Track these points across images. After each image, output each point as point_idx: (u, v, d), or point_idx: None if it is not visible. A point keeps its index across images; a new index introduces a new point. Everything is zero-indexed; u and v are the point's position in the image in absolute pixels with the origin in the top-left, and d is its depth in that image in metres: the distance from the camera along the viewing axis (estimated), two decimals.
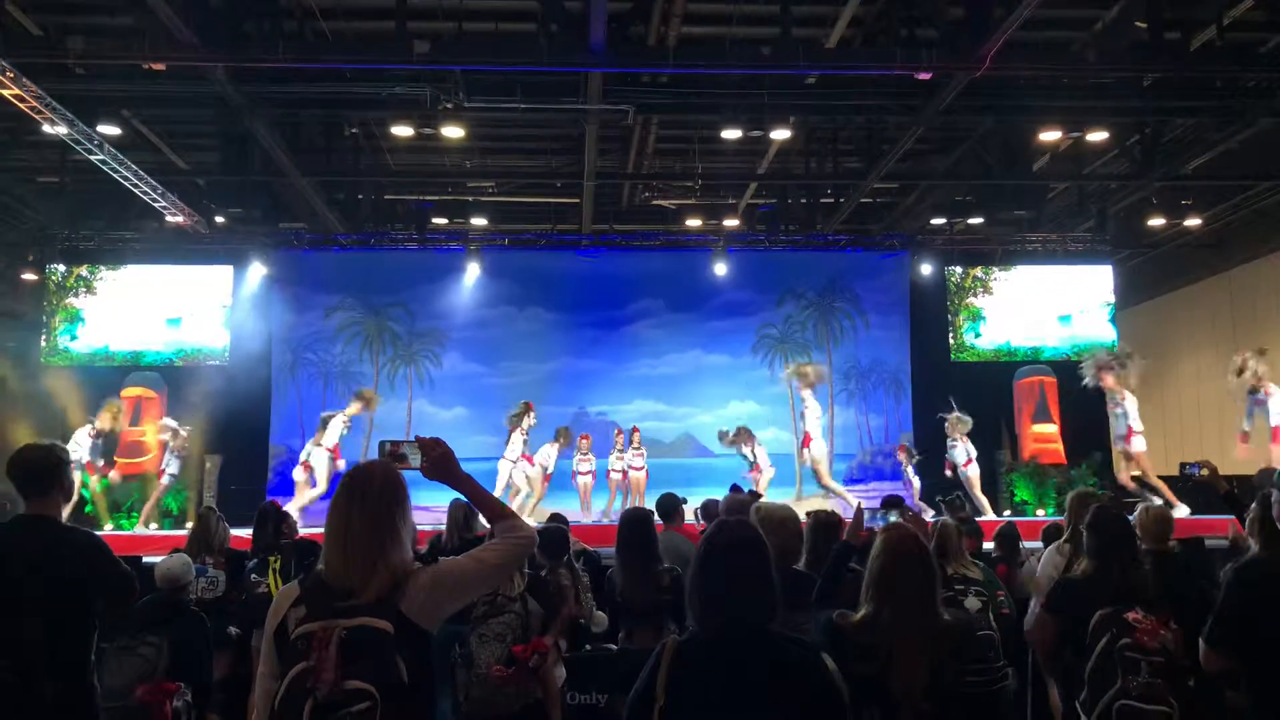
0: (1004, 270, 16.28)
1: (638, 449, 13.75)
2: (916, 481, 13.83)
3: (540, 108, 11.58)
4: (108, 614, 3.78)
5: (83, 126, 11.14)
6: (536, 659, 4.64)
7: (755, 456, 12.74)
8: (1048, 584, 4.47)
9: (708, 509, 6.76)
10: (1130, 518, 4.27)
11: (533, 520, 11.19)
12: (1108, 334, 16.27)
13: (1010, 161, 13.82)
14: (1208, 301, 18.47)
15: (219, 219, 15.03)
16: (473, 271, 15.71)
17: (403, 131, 12.97)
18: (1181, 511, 10.74)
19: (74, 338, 15.34)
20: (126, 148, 12.50)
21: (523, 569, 4.81)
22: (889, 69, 10.31)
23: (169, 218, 14.24)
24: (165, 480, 13.01)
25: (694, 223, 16.65)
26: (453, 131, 12.53)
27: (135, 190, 12.98)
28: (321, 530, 2.51)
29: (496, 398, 14.98)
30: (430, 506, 10.77)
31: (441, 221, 17.12)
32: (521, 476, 12.92)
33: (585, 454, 13.80)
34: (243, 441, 15.07)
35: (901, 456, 14.22)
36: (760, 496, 7.22)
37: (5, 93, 9.79)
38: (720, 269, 15.63)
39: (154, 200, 13.42)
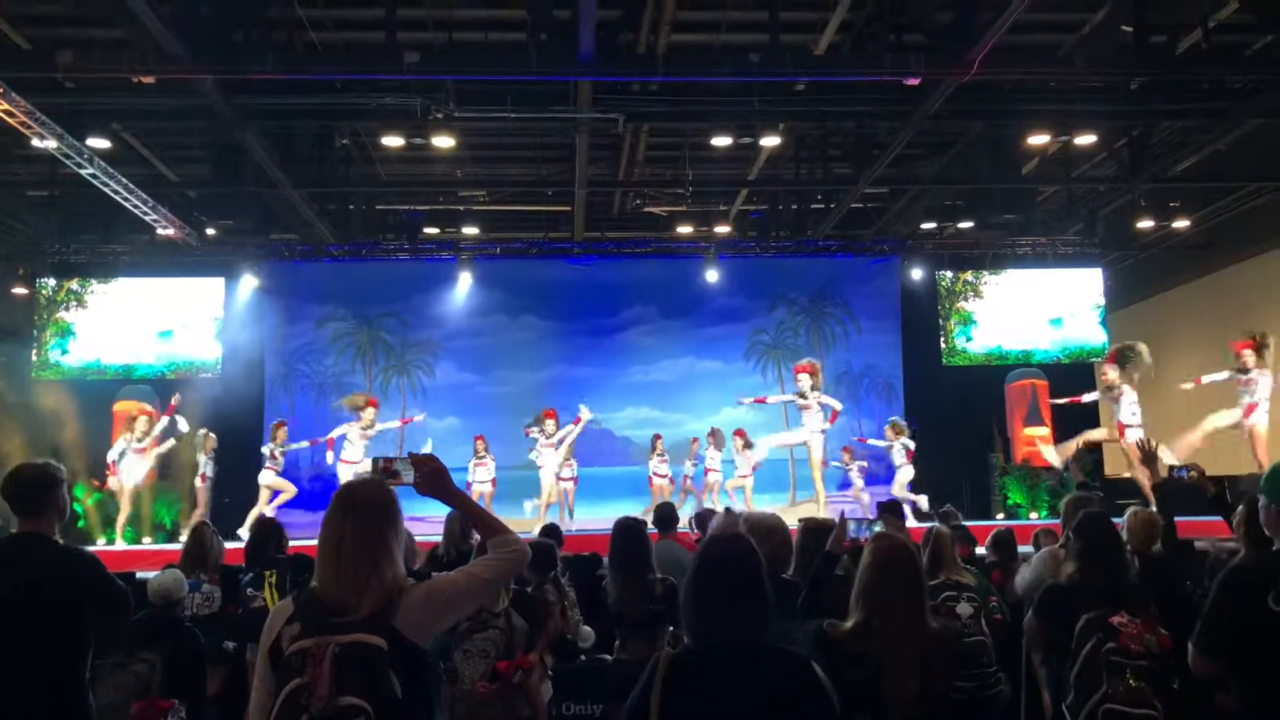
0: (994, 274, 16.33)
1: (661, 456, 13.88)
2: (860, 483, 13.85)
3: (531, 117, 11.59)
4: (103, 631, 3.77)
5: (72, 140, 11.12)
6: (520, 675, 4.62)
7: (709, 460, 13.04)
8: (1034, 587, 4.49)
9: (702, 518, 6.77)
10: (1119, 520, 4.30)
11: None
12: (1098, 336, 16.34)
13: (999, 165, 13.87)
14: (1197, 302, 18.53)
15: (210, 231, 15.01)
16: (465, 281, 15.71)
17: (393, 142, 12.98)
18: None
19: (65, 352, 15.30)
20: (116, 161, 12.48)
21: (509, 584, 4.80)
22: (878, 75, 10.34)
23: (160, 230, 14.21)
24: (203, 484, 13.20)
25: (685, 230, 16.67)
26: (443, 141, 12.54)
27: (125, 203, 12.95)
28: (315, 543, 2.51)
29: (490, 407, 15.01)
30: (425, 517, 10.80)
31: (433, 231, 17.12)
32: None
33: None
34: (236, 454, 15.02)
35: (845, 458, 14.14)
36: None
37: None
38: (712, 275, 15.66)
39: (144, 213, 13.39)
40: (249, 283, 15.34)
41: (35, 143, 11.02)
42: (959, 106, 11.60)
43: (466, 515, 2.66)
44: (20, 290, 15.73)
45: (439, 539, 6.73)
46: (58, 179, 13.55)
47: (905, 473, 13.02)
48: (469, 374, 15.91)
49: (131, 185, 12.60)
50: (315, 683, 2.22)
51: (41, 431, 13.97)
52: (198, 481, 13.25)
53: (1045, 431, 15.43)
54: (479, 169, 15.22)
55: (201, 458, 13.31)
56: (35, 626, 3.40)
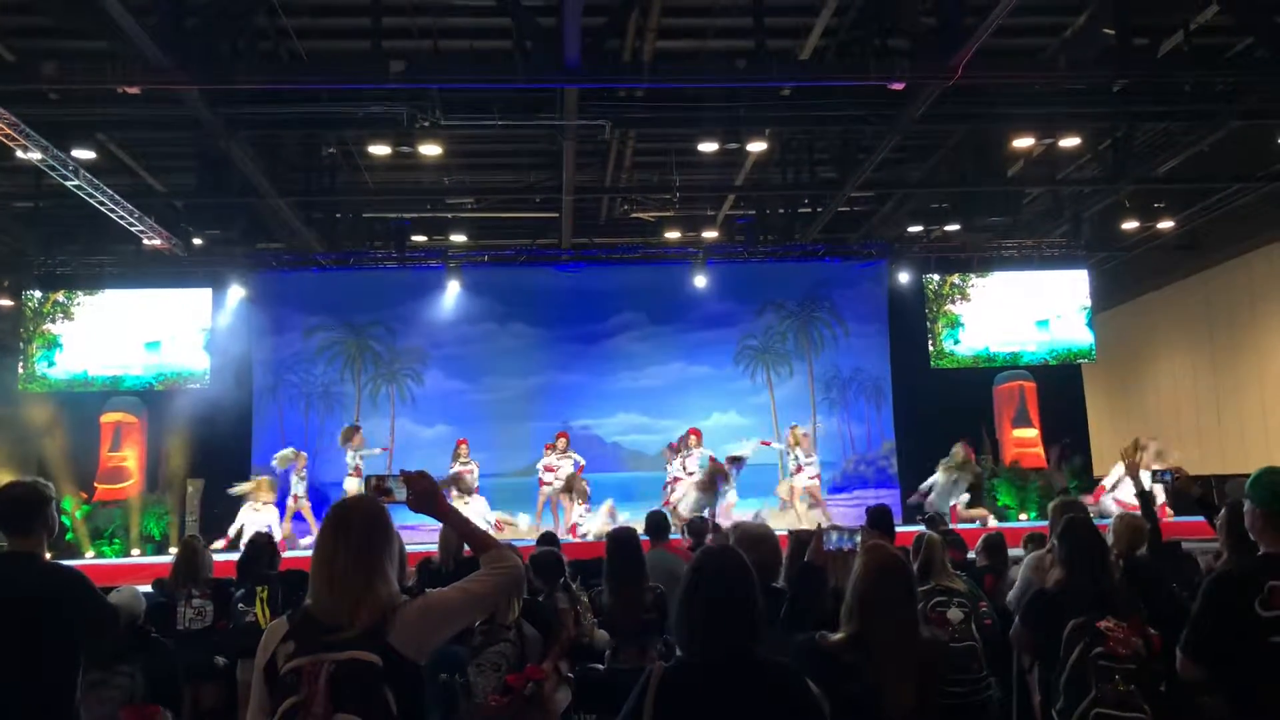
0: (981, 276, 16.41)
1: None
2: (805, 470, 13.79)
3: (517, 124, 11.59)
4: (92, 648, 3.77)
5: (57, 152, 11.08)
6: (531, 687, 4.62)
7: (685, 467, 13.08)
8: (1024, 593, 4.52)
9: (694, 526, 6.78)
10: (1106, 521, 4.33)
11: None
12: (1085, 338, 16.42)
13: (985, 168, 13.92)
14: (1183, 302, 18.65)
15: (197, 241, 14.97)
16: (453, 288, 15.70)
17: (380, 150, 12.96)
18: None
19: (52, 364, 15.22)
20: (102, 171, 12.43)
21: (519, 595, 4.80)
22: (863, 80, 10.38)
23: (146, 241, 14.17)
24: (294, 503, 13.20)
25: (673, 235, 16.70)
26: (430, 149, 12.53)
27: (111, 214, 12.91)
28: (308, 556, 2.52)
29: (479, 415, 15.00)
30: (417, 525, 10.78)
31: (421, 239, 17.10)
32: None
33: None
34: (224, 464, 14.97)
35: (792, 440, 14.07)
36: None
37: None
38: (700, 281, 15.69)
39: (131, 224, 13.35)
40: (236, 293, 15.30)
41: (20, 154, 10.98)
42: (944, 110, 11.64)
43: (458, 531, 2.67)
44: (6, 302, 15.66)
45: (430, 549, 6.73)
46: (43, 190, 13.49)
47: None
48: (458, 382, 15.89)
49: (117, 196, 12.56)
50: (310, 701, 2.22)
51: (28, 444, 13.91)
52: (290, 501, 13.15)
53: (1034, 433, 15.51)
54: (466, 176, 15.21)
55: (294, 478, 13.31)
56: (25, 644, 3.39)
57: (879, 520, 6.22)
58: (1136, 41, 10.53)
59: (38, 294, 15.29)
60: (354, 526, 2.43)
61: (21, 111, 10.22)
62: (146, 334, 15.40)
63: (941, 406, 15.45)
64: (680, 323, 16.18)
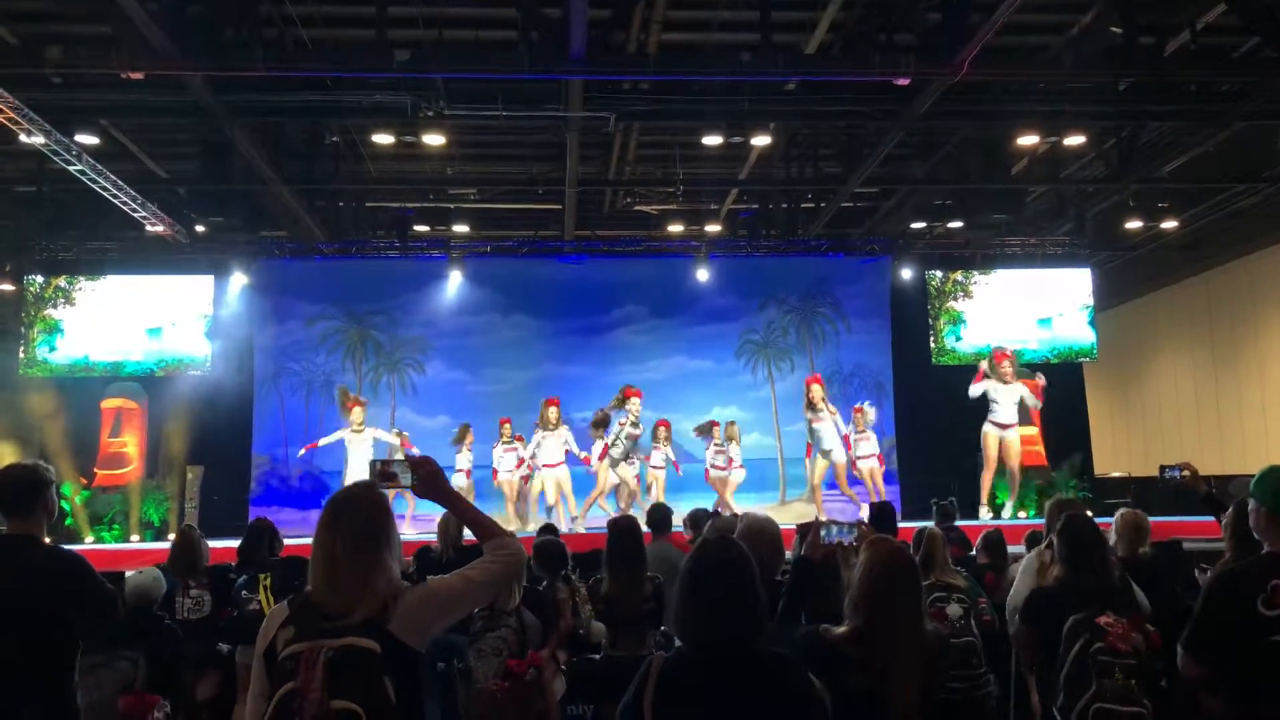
0: (984, 274, 16.38)
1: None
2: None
3: (521, 115, 11.58)
4: (90, 632, 3.77)
5: (60, 136, 11.07)
6: (533, 673, 4.66)
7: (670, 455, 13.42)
8: (1024, 590, 4.52)
9: (695, 518, 6.77)
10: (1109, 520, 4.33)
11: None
12: (1087, 336, 16.40)
13: (989, 165, 13.92)
14: (1185, 303, 18.66)
15: (199, 228, 14.96)
16: (455, 279, 15.68)
17: (384, 139, 12.96)
18: None
19: (53, 349, 15.21)
20: (105, 157, 12.42)
21: (520, 583, 4.83)
22: (868, 75, 10.37)
23: (149, 227, 14.16)
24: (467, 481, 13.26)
25: (676, 229, 16.69)
26: (434, 139, 12.52)
27: (114, 200, 12.90)
28: (307, 542, 2.51)
29: (480, 405, 14.97)
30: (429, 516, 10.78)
31: (423, 229, 17.09)
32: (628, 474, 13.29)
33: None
34: (225, 452, 15.00)
35: (714, 432, 13.96)
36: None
37: None
38: (702, 275, 15.67)
39: (133, 210, 13.34)
40: (238, 280, 15.28)
41: (23, 138, 10.96)
42: (948, 107, 11.63)
43: (462, 517, 2.66)
44: (8, 287, 15.65)
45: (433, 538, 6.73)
46: (46, 175, 13.48)
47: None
48: (459, 372, 15.87)
49: (120, 182, 12.55)
50: (307, 687, 2.22)
51: (29, 429, 13.91)
52: (461, 479, 13.14)
53: (1034, 431, 15.50)
54: (469, 167, 15.20)
55: (464, 453, 13.40)
56: (23, 627, 3.40)
57: (881, 518, 6.22)
58: (1142, 40, 10.52)
59: (40, 279, 15.27)
60: (350, 517, 2.42)
61: (25, 96, 10.21)
62: (148, 320, 15.38)
63: (942, 403, 15.44)
64: (682, 316, 16.16)
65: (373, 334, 15.91)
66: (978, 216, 15.75)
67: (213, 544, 6.70)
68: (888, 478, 15.41)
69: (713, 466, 13.83)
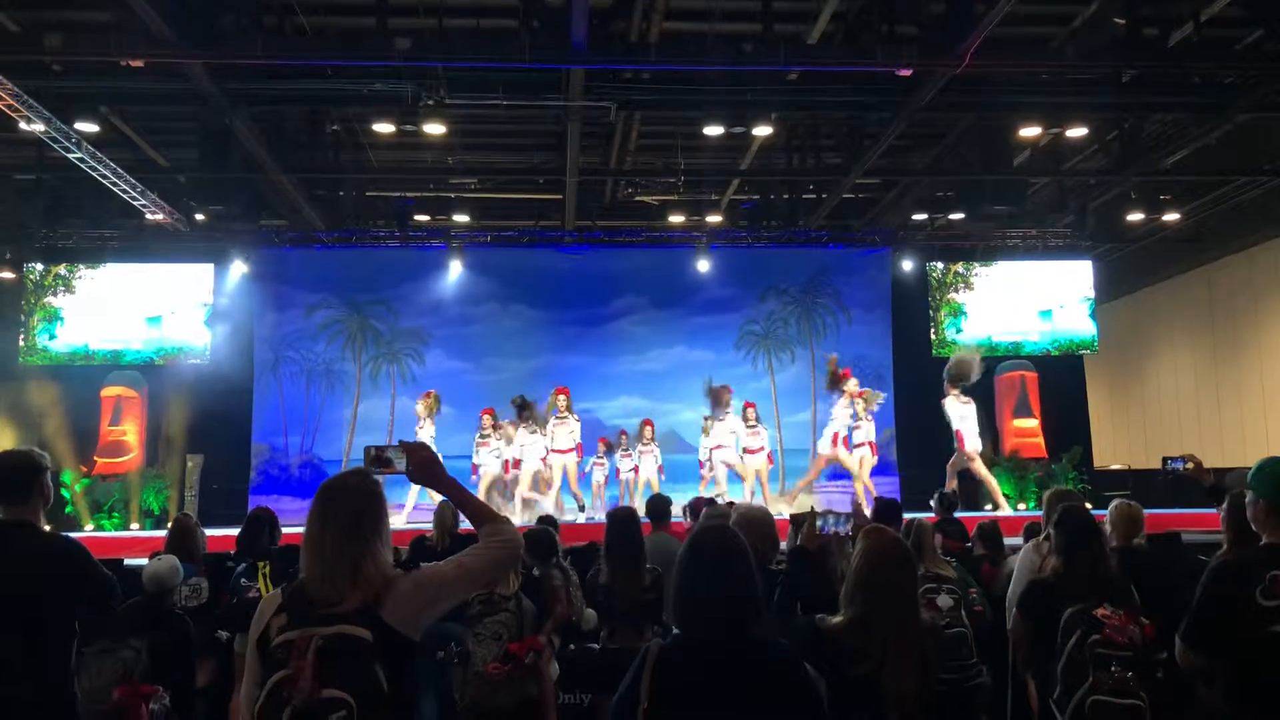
0: (985, 266, 16.37)
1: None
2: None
3: (522, 104, 11.55)
4: (90, 618, 3.77)
5: (60, 124, 11.04)
6: (532, 656, 4.71)
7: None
8: (1023, 583, 4.51)
9: (695, 507, 6.77)
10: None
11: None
12: (1087, 329, 16.39)
13: (991, 157, 13.87)
14: (1186, 295, 18.63)
15: (199, 216, 14.93)
16: (455, 268, 15.68)
17: (384, 128, 12.91)
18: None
19: (53, 337, 15.22)
20: (105, 145, 12.39)
21: (518, 569, 4.86)
22: (870, 66, 10.34)
23: (148, 215, 14.14)
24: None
25: (677, 219, 16.66)
26: (434, 128, 12.48)
27: (114, 188, 12.88)
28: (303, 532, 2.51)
29: (480, 395, 14.96)
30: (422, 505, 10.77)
31: (423, 218, 17.06)
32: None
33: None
34: (224, 440, 15.03)
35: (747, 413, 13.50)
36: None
37: None
38: (703, 265, 15.66)
39: (133, 198, 13.32)
40: (238, 269, 15.28)
41: (23, 126, 10.93)
42: (951, 98, 11.59)
43: (457, 504, 2.65)
44: (7, 275, 15.65)
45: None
46: (45, 163, 13.45)
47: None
48: (459, 362, 15.88)
49: (120, 170, 12.53)
50: (298, 675, 2.21)
51: (28, 417, 13.92)
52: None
53: (1034, 423, 15.50)
54: (470, 156, 15.16)
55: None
56: (20, 613, 3.40)
57: (885, 514, 6.19)
58: (1146, 32, 10.48)
59: (39, 267, 15.28)
60: (340, 505, 2.41)
61: (24, 83, 10.18)
62: (148, 308, 15.39)
63: (942, 395, 15.43)
64: (682, 307, 16.16)
65: (372, 323, 15.91)
66: (979, 208, 15.71)
67: (212, 533, 6.71)
68: (886, 469, 15.43)
69: (745, 451, 13.16)
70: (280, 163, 13.06)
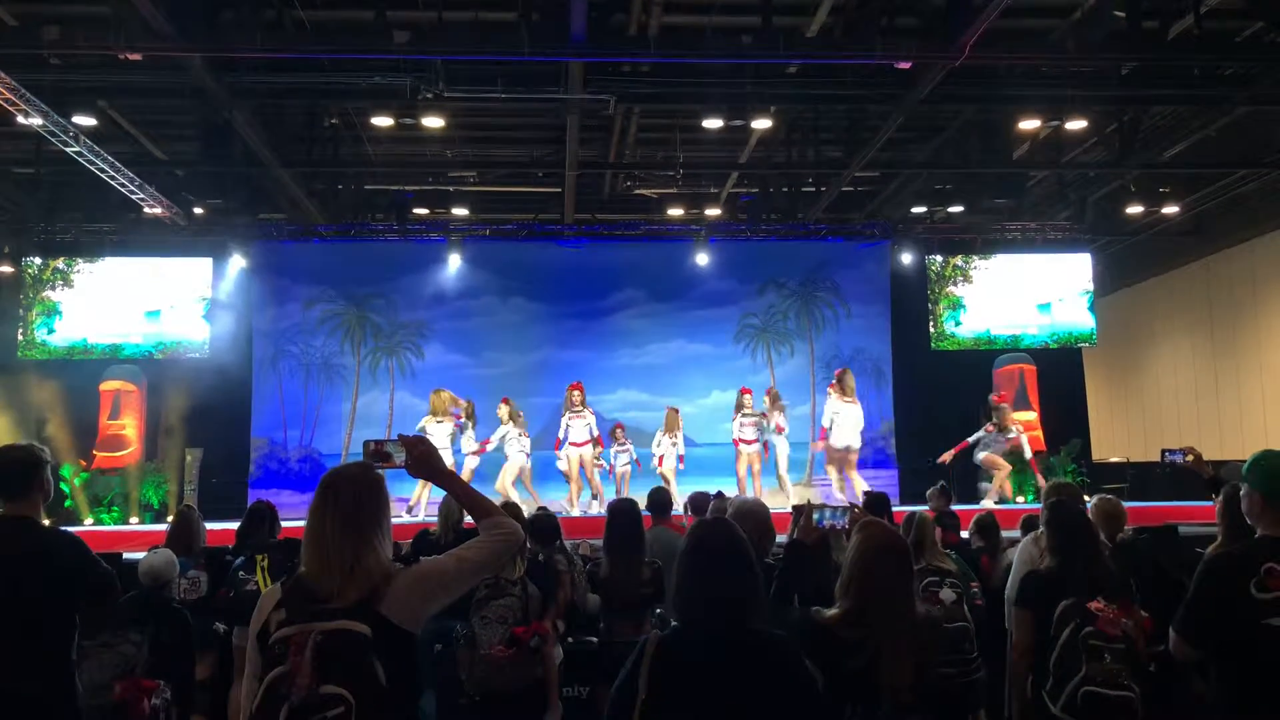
0: (984, 259, 16.36)
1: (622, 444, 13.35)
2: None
3: (521, 97, 11.53)
4: (89, 613, 3.77)
5: (58, 118, 11.02)
6: (537, 640, 4.75)
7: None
8: (1020, 575, 4.53)
9: (696, 502, 6.78)
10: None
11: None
12: (1086, 322, 16.40)
13: (990, 150, 13.88)
14: (1185, 288, 18.63)
15: (198, 210, 14.93)
16: (454, 262, 15.67)
17: (383, 122, 12.91)
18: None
19: (51, 331, 15.21)
20: (103, 138, 12.38)
21: (523, 554, 4.89)
22: (869, 58, 10.32)
23: (147, 209, 14.13)
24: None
25: (676, 212, 16.65)
26: (433, 121, 12.48)
27: (112, 182, 12.86)
28: (303, 525, 2.51)
29: (479, 389, 14.95)
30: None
31: (422, 212, 17.05)
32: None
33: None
34: (224, 434, 15.03)
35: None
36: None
37: None
38: (702, 259, 15.65)
39: (131, 192, 13.31)
40: (237, 262, 15.27)
41: (20, 120, 10.92)
42: (950, 91, 11.58)
43: (457, 497, 2.66)
44: (6, 269, 15.64)
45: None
46: (43, 157, 13.44)
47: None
48: (458, 355, 15.87)
49: (118, 164, 12.51)
50: (296, 671, 2.21)
51: (28, 411, 13.92)
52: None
53: (1033, 416, 15.52)
54: (469, 150, 15.15)
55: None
56: (20, 609, 3.40)
57: (876, 507, 6.20)
58: (1146, 24, 10.46)
59: (38, 261, 15.26)
60: (342, 496, 2.41)
61: (22, 76, 10.17)
62: (146, 303, 15.38)
63: (941, 388, 15.45)
64: (681, 300, 16.14)
65: (371, 317, 15.90)
66: (978, 201, 15.73)
67: (211, 526, 6.72)
68: (885, 463, 15.44)
69: (742, 441, 12.98)
70: (279, 156, 13.05)
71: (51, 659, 3.47)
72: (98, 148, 11.98)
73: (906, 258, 16.02)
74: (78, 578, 3.57)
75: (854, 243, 16.35)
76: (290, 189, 14.26)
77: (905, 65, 10.22)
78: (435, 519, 7.17)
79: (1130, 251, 18.69)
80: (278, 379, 15.60)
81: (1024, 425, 15.32)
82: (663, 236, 16.18)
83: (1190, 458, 5.07)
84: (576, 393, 12.97)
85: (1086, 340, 16.53)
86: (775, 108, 12.63)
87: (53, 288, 15.28)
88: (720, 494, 7.27)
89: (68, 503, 13.27)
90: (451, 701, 4.82)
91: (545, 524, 5.81)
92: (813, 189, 15.76)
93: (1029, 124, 13.21)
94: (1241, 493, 3.34)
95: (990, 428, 12.80)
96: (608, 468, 13.18)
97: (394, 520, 2.53)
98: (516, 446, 12.56)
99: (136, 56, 9.86)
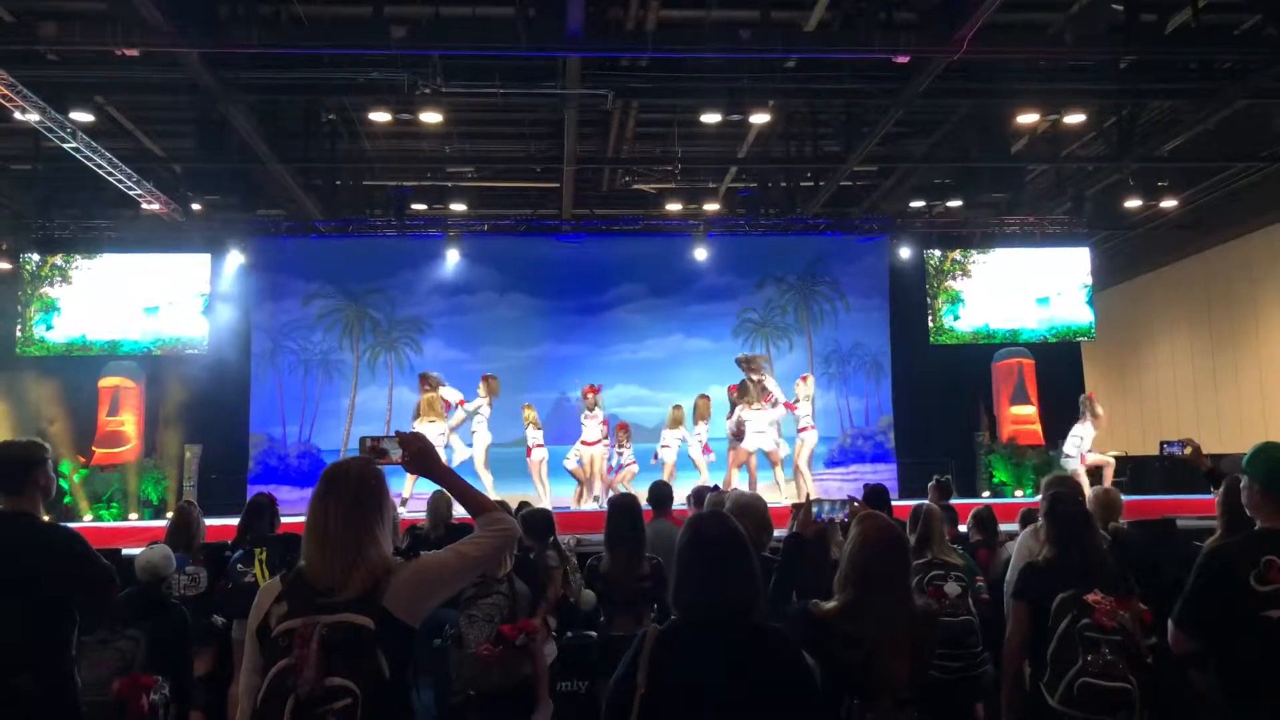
0: (982, 253, 16.36)
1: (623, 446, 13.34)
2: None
3: (519, 92, 11.51)
4: (88, 608, 3.77)
5: (55, 114, 11.00)
6: (524, 638, 4.74)
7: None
8: (1018, 568, 4.54)
9: (698, 495, 6.78)
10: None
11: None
12: (1085, 316, 16.40)
13: (988, 144, 13.86)
14: (1184, 282, 18.65)
15: (196, 206, 14.90)
16: (452, 257, 15.66)
17: (380, 117, 12.88)
18: None
19: (50, 328, 15.20)
20: (100, 134, 12.36)
21: (512, 551, 4.88)
22: (867, 53, 10.31)
23: (145, 205, 14.10)
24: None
25: (674, 207, 16.63)
26: (431, 117, 12.45)
27: (110, 178, 12.84)
28: (303, 520, 2.51)
29: (478, 384, 14.97)
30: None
31: (420, 207, 17.03)
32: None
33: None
34: (223, 430, 15.03)
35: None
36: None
37: None
38: (701, 253, 15.65)
39: (129, 188, 13.28)
40: (235, 258, 15.26)
41: (18, 116, 10.89)
42: (948, 85, 11.58)
43: (453, 493, 2.66)
44: (4, 265, 15.62)
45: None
46: (41, 153, 13.41)
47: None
48: (457, 351, 15.87)
49: (116, 159, 12.49)
50: (302, 664, 2.22)
51: (26, 408, 13.91)
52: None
53: (1031, 410, 15.53)
54: (467, 145, 15.12)
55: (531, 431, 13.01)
56: (20, 604, 3.41)
57: (875, 500, 6.20)
58: (1144, 18, 10.46)
59: (36, 257, 15.24)
60: (344, 489, 2.42)
61: (20, 72, 10.14)
62: (145, 299, 15.37)
63: (940, 383, 15.47)
64: (680, 295, 16.15)
65: (370, 312, 15.91)
66: (977, 195, 15.71)
67: (210, 522, 6.72)
68: (884, 457, 15.45)
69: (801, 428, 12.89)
70: (277, 152, 13.03)
71: (51, 655, 3.47)
72: (95, 144, 11.96)
73: (905, 252, 16.02)
74: (77, 573, 3.58)
75: (852, 237, 16.36)
76: (288, 185, 14.24)
77: (903, 59, 10.21)
78: (422, 514, 7.19)
79: (1129, 245, 18.69)
80: (276, 375, 15.60)
81: (1023, 419, 15.36)
82: (661, 231, 16.17)
83: (1189, 450, 5.07)
84: (591, 395, 13.01)
85: (1085, 334, 16.54)
86: (773, 102, 12.61)
87: (51, 284, 15.27)
88: (717, 488, 7.27)
89: (67, 499, 13.26)
90: (443, 699, 4.83)
91: (540, 519, 5.80)
92: (811, 183, 15.75)
93: (1027, 118, 13.20)
94: (1241, 485, 3.34)
95: (1099, 420, 12.75)
96: (613, 467, 13.19)
97: (402, 515, 2.54)
98: (485, 425, 12.78)
99: (134, 52, 9.83)
